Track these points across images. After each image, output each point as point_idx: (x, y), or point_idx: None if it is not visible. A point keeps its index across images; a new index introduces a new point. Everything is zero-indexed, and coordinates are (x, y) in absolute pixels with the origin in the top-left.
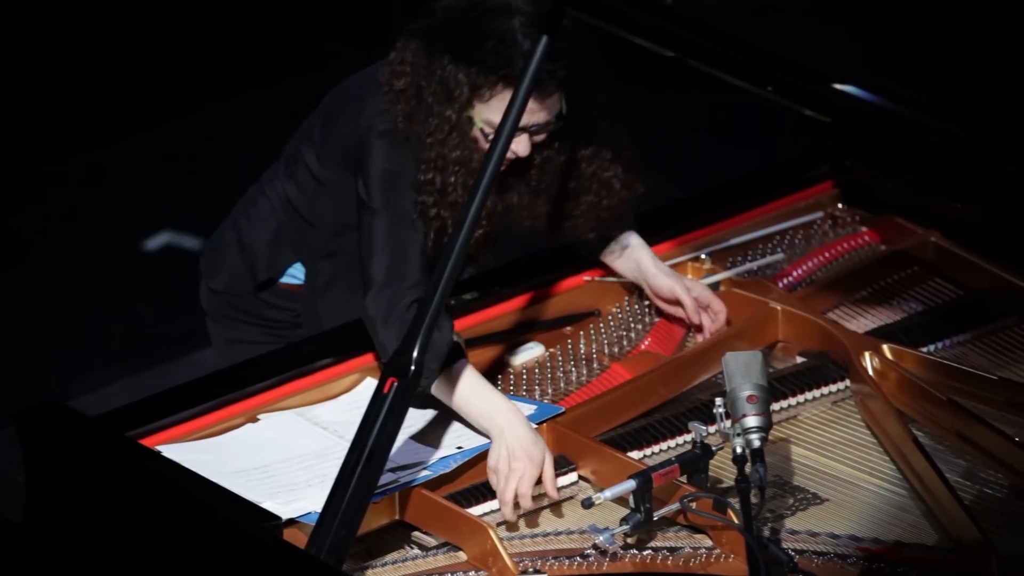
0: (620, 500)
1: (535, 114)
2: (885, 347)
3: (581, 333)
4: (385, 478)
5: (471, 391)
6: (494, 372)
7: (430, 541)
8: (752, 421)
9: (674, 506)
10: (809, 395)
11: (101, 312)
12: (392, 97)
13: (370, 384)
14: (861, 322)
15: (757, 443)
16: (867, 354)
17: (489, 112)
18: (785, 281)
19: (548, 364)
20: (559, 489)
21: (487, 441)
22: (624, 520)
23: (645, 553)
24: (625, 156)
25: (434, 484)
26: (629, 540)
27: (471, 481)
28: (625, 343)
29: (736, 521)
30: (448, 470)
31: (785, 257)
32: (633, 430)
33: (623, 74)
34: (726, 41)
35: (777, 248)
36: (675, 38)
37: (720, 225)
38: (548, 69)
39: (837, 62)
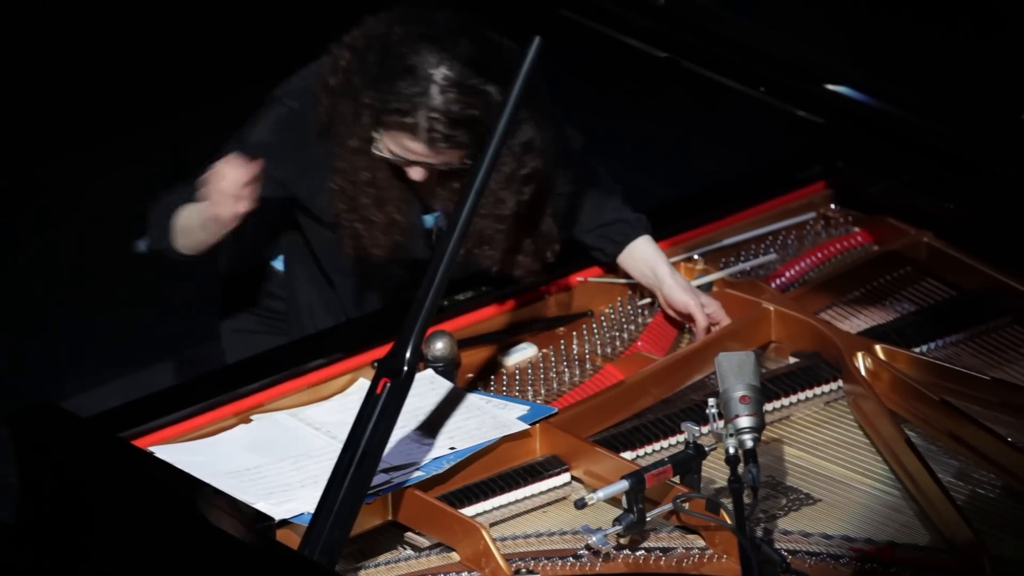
0: (613, 501)
1: (421, 156)
2: (878, 347)
3: (574, 334)
4: (378, 479)
5: None
6: (487, 373)
7: (423, 542)
8: (745, 421)
9: (667, 506)
10: (802, 395)
11: (93, 313)
12: (318, 90)
13: (363, 385)
14: (854, 322)
15: (750, 443)
16: (860, 354)
17: (391, 141)
18: (778, 281)
19: (541, 365)
20: (551, 491)
21: (480, 441)
22: (617, 520)
23: (638, 554)
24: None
25: (427, 485)
26: (622, 541)
27: (464, 482)
28: (618, 344)
29: (729, 521)
30: (441, 471)
31: (778, 257)
32: (626, 431)
33: (615, 75)
34: (719, 42)
35: (770, 248)
36: (668, 39)
37: (713, 225)
38: (445, 133)
39: (830, 63)
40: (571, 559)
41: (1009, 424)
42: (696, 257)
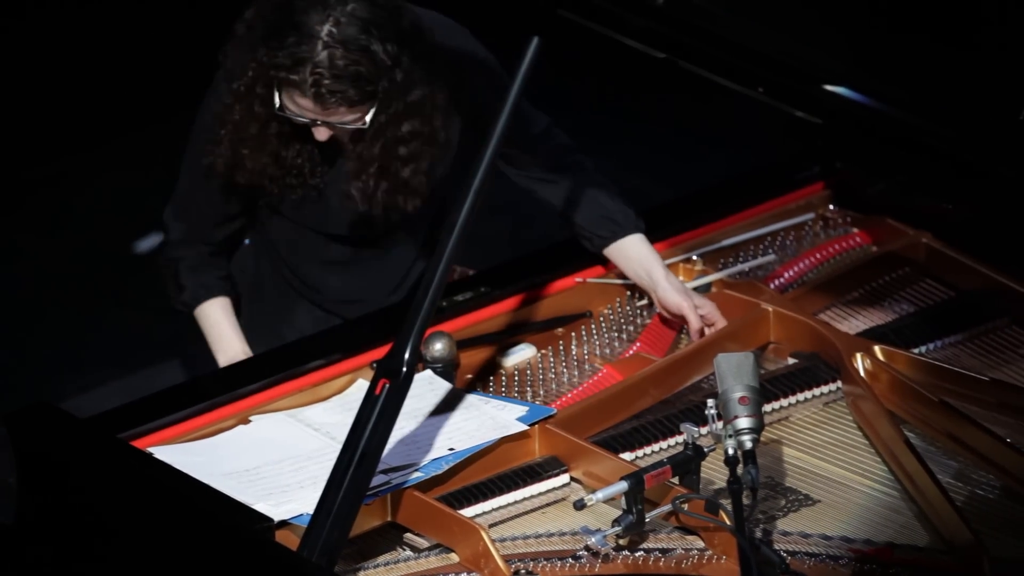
0: (612, 501)
1: (314, 113)
2: (876, 348)
3: (573, 335)
4: (377, 479)
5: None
6: (486, 373)
7: (422, 543)
8: (744, 422)
9: (666, 507)
10: (801, 396)
11: (92, 313)
12: (228, 50)
13: (362, 386)
14: (852, 323)
15: (749, 444)
16: (859, 355)
17: (288, 100)
18: (777, 282)
19: (540, 365)
20: (550, 492)
21: (479, 442)
22: (616, 521)
23: (637, 554)
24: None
25: (426, 485)
26: (621, 541)
27: (463, 483)
28: (617, 345)
29: (728, 522)
30: (440, 471)
31: (776, 258)
32: (625, 431)
33: (613, 75)
34: (717, 42)
35: (768, 249)
36: (666, 39)
37: (711, 226)
38: (331, 88)
39: (828, 63)
40: (570, 560)
41: (1008, 425)
42: (695, 258)
